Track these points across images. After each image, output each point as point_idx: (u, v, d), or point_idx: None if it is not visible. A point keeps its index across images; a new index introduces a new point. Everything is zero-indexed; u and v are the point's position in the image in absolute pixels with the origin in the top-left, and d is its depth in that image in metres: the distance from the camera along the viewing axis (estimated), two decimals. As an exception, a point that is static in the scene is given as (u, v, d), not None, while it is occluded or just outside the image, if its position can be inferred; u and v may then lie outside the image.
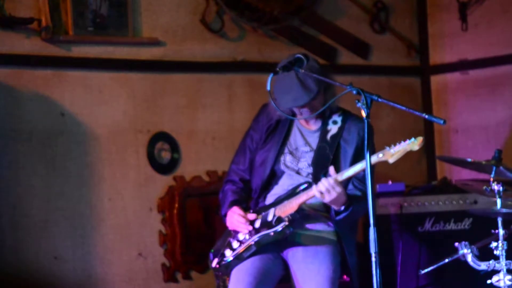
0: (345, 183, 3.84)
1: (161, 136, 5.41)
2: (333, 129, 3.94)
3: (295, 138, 4.00)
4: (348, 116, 3.97)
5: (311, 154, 3.95)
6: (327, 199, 3.73)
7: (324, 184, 3.71)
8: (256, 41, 5.81)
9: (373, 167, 3.49)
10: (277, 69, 3.58)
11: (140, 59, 5.34)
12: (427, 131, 6.53)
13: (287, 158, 3.98)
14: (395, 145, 3.63)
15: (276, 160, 3.98)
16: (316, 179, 3.85)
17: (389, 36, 6.45)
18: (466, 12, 6.32)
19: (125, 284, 5.25)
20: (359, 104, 3.34)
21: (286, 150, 3.99)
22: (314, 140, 3.97)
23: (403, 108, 3.45)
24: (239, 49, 5.73)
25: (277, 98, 3.81)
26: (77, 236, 5.10)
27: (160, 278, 5.39)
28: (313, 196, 3.81)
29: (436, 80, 6.58)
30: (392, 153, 3.62)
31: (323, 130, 3.95)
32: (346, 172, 3.75)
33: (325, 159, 3.89)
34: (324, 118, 3.97)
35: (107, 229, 5.19)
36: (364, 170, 3.65)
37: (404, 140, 3.62)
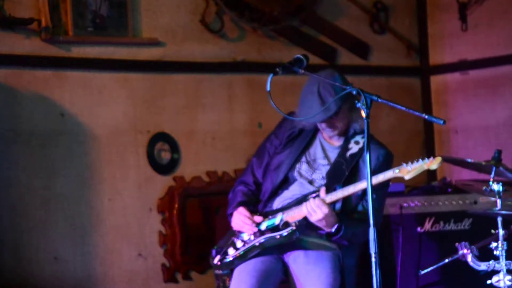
0: (355, 203, 3.90)
1: (161, 137, 5.41)
2: (353, 148, 3.96)
3: (315, 149, 4.03)
4: (371, 140, 3.96)
5: (328, 168, 3.97)
6: (313, 218, 3.77)
7: (310, 204, 3.76)
8: (256, 41, 5.81)
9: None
10: (277, 69, 3.58)
11: (140, 60, 5.34)
12: (427, 132, 6.54)
13: (302, 167, 4.00)
14: (412, 162, 3.67)
15: (292, 166, 4.00)
16: (328, 191, 3.87)
17: (388, 36, 6.46)
18: (466, 12, 6.32)
19: (125, 284, 5.25)
20: (358, 105, 3.34)
21: (303, 159, 4.01)
22: (334, 156, 3.99)
23: (403, 108, 3.45)
24: (239, 50, 5.73)
25: (299, 108, 3.88)
26: (77, 236, 5.10)
27: (160, 279, 5.39)
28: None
29: (436, 80, 6.58)
30: (409, 170, 3.66)
31: (344, 147, 3.97)
32: (331, 195, 3.79)
33: (340, 174, 3.91)
34: (347, 136, 3.99)
35: (107, 229, 5.19)
36: (354, 194, 3.81)
37: (423, 159, 3.65)
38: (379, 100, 3.37)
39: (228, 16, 5.64)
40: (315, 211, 3.75)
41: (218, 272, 4.04)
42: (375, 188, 3.72)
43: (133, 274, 5.29)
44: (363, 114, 3.33)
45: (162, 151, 5.42)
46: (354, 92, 3.39)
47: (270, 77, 3.52)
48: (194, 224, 5.50)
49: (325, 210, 3.74)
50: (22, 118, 4.94)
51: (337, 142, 4.01)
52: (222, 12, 5.60)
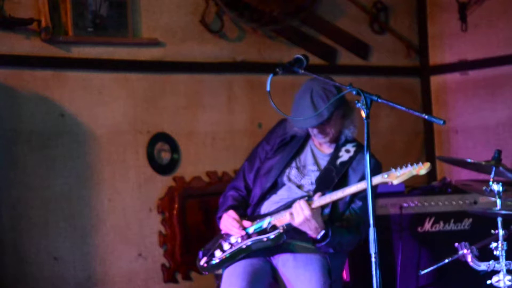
0: (343, 209, 3.88)
1: (161, 137, 5.41)
2: (344, 156, 3.97)
3: (305, 156, 4.04)
4: (362, 149, 3.96)
5: (317, 174, 3.97)
6: (296, 221, 3.74)
7: (295, 205, 3.75)
8: (256, 41, 5.81)
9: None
10: (277, 69, 3.58)
11: (140, 60, 5.34)
12: (427, 132, 6.54)
13: (292, 172, 4.00)
14: (401, 168, 3.66)
15: (282, 171, 4.01)
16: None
17: (388, 36, 6.46)
18: (466, 13, 6.33)
19: (125, 284, 5.25)
20: (358, 105, 3.34)
21: (293, 165, 4.02)
22: (324, 163, 4.00)
23: (403, 108, 3.44)
24: (239, 50, 5.74)
25: (292, 113, 3.89)
26: (77, 236, 5.10)
27: (160, 279, 5.40)
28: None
29: (436, 80, 6.59)
30: (397, 175, 3.65)
31: (334, 155, 3.98)
32: (320, 199, 3.77)
33: (330, 180, 3.91)
34: (338, 144, 4.00)
35: (107, 229, 5.19)
36: (342, 199, 3.79)
37: (411, 164, 3.65)
38: (379, 100, 3.37)
39: (228, 16, 5.64)
40: (298, 213, 3.73)
41: (218, 272, 4.04)
42: (362, 196, 3.73)
43: (133, 274, 5.29)
44: (363, 114, 3.32)
45: (162, 151, 5.42)
46: (354, 92, 3.38)
47: (270, 77, 3.52)
48: (194, 224, 5.50)
49: (307, 212, 3.71)
50: (22, 118, 4.94)
51: (328, 150, 4.02)
52: (222, 12, 5.60)
